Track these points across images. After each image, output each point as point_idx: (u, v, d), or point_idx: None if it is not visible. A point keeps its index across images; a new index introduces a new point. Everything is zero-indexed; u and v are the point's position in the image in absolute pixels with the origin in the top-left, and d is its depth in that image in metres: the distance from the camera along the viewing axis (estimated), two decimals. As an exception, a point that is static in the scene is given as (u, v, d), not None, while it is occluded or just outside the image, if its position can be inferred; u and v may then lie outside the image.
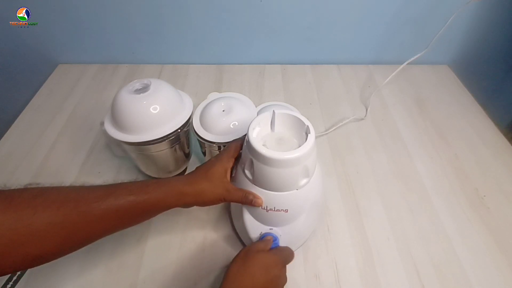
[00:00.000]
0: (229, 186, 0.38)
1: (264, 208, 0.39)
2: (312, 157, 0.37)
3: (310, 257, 0.46)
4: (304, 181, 0.37)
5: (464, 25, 0.74)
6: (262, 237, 0.40)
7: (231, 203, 0.47)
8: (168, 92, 0.45)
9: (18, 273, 0.44)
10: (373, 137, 0.64)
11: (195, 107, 0.50)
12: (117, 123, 0.44)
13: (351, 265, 0.45)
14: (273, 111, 0.39)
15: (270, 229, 0.41)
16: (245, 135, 0.37)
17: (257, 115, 0.45)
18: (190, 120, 0.48)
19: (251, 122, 0.38)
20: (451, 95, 0.73)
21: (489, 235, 0.49)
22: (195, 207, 0.39)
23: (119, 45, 0.78)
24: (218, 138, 0.47)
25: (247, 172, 0.38)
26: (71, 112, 0.68)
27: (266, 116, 0.39)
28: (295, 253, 0.40)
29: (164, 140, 0.44)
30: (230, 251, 0.47)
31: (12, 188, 0.30)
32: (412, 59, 0.69)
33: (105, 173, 0.56)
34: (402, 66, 0.70)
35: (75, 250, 0.33)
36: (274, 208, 0.38)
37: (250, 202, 0.38)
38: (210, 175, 0.38)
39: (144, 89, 0.44)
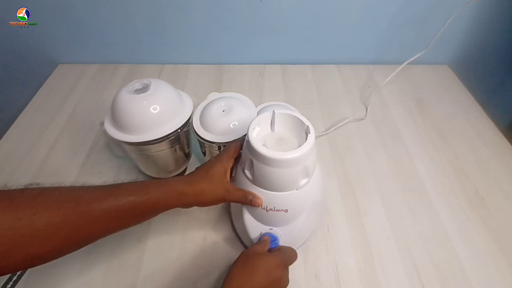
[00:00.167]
0: (229, 186, 0.38)
1: (264, 208, 0.39)
2: (312, 157, 0.37)
3: (310, 257, 0.46)
4: (304, 181, 0.37)
5: (464, 25, 0.74)
6: (261, 238, 0.40)
7: (231, 203, 0.47)
8: (168, 92, 0.45)
9: (18, 273, 0.44)
10: (373, 137, 0.64)
11: (195, 107, 0.50)
12: (117, 123, 0.44)
13: (351, 265, 0.45)
14: (273, 111, 0.39)
15: (270, 229, 0.41)
16: (245, 135, 0.37)
17: (257, 115, 0.45)
18: (190, 120, 0.48)
19: (251, 122, 0.38)
20: (451, 95, 0.73)
21: (489, 235, 0.49)
22: (195, 207, 0.39)
23: (119, 45, 0.78)
24: (218, 138, 0.47)
25: (247, 172, 0.38)
26: (71, 112, 0.68)
27: (266, 116, 0.39)
28: (295, 253, 0.40)
29: (164, 140, 0.44)
30: (230, 251, 0.47)
31: (13, 188, 0.30)
32: (412, 59, 0.69)
33: (105, 173, 0.56)
34: (402, 66, 0.70)
35: (75, 250, 0.33)
36: (274, 208, 0.38)
37: (249, 202, 0.38)
38: (210, 175, 0.38)
39: (144, 89, 0.44)
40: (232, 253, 0.46)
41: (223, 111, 0.48)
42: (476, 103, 0.71)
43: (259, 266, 0.34)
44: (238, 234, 0.47)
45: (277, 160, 0.34)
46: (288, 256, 0.38)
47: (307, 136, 0.36)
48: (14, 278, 0.43)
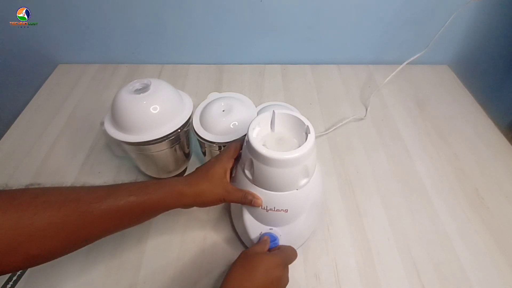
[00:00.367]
0: (228, 187, 0.38)
1: (264, 208, 0.39)
2: (312, 157, 0.37)
3: (310, 257, 0.46)
4: (304, 181, 0.37)
5: (464, 25, 0.74)
6: (261, 238, 0.40)
7: (231, 203, 0.47)
8: (168, 92, 0.45)
9: (18, 273, 0.44)
10: (373, 137, 0.64)
11: (195, 107, 0.50)
12: (117, 123, 0.44)
13: (351, 265, 0.45)
14: (273, 111, 0.39)
15: (270, 229, 0.41)
16: (245, 135, 0.37)
17: (257, 115, 0.45)
18: (190, 120, 0.48)
19: (251, 122, 0.38)
20: (451, 95, 0.73)
21: (489, 235, 0.49)
22: (195, 207, 0.39)
23: (119, 45, 0.78)
24: (218, 138, 0.47)
25: (247, 172, 0.38)
26: (71, 112, 0.68)
27: (266, 116, 0.39)
28: (295, 253, 0.40)
29: (164, 140, 0.44)
30: (230, 251, 0.47)
31: (13, 188, 0.30)
32: (412, 59, 0.69)
33: (105, 173, 0.56)
34: (402, 66, 0.70)
35: (75, 250, 0.33)
36: (274, 208, 0.38)
37: (249, 202, 0.38)
38: (209, 175, 0.38)
39: (144, 89, 0.44)
40: (232, 253, 0.46)
41: (223, 111, 0.48)
42: (476, 103, 0.71)
43: (258, 265, 0.34)
44: (238, 234, 0.47)
45: (277, 160, 0.34)
46: (287, 255, 0.38)
47: (307, 136, 0.36)
48: (14, 278, 0.44)
